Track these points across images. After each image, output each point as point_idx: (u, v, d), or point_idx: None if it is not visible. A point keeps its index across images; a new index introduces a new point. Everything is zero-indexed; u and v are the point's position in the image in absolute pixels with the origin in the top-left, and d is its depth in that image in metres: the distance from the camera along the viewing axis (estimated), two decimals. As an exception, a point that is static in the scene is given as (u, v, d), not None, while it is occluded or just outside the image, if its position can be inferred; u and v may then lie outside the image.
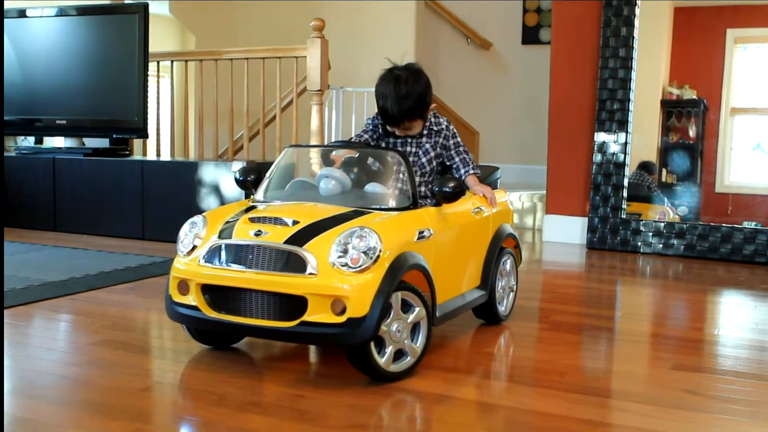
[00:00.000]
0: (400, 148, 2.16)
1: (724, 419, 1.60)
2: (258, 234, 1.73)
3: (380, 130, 2.22)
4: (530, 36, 6.65)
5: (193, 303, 1.77)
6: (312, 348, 2.02)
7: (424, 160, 2.18)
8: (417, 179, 2.15)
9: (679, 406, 1.66)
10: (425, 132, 2.19)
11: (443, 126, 2.21)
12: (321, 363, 1.93)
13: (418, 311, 1.76)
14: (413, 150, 2.18)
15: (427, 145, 2.18)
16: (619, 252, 3.95)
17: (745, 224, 3.84)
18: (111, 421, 1.49)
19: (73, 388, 1.70)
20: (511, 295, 2.38)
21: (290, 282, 1.66)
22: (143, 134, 4.20)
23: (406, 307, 1.75)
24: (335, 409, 1.58)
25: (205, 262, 1.77)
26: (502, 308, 2.30)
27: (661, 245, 3.89)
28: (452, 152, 2.22)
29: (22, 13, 4.35)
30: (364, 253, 1.66)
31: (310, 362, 1.94)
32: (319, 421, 1.51)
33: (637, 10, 3.97)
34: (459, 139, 2.24)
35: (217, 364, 1.86)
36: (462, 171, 2.22)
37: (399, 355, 1.75)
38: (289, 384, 1.73)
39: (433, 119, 2.20)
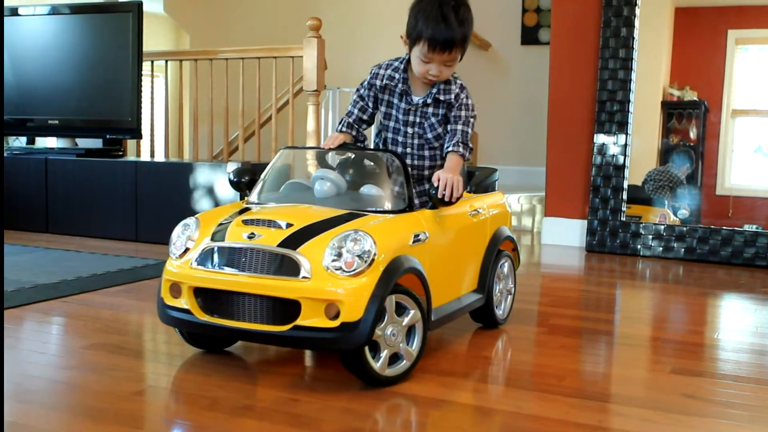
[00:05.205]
0: (403, 117, 2.08)
1: (724, 424, 1.58)
2: (251, 237, 1.71)
3: (399, 82, 2.06)
4: (529, 36, 6.62)
5: (186, 306, 1.74)
6: (307, 351, 1.99)
7: (430, 135, 2.09)
8: (426, 152, 2.07)
9: (679, 410, 1.64)
10: (443, 98, 2.05)
11: (457, 94, 2.07)
12: (316, 367, 1.90)
13: (413, 314, 1.73)
14: (418, 120, 2.09)
15: (433, 119, 2.07)
16: (618, 255, 3.93)
17: (746, 227, 3.82)
18: (102, 426, 1.47)
19: (64, 392, 1.68)
20: (509, 298, 2.36)
21: (283, 286, 1.63)
22: (137, 135, 4.17)
23: (401, 310, 1.72)
24: (330, 414, 1.55)
25: (198, 264, 1.74)
26: (499, 312, 2.28)
27: (661, 248, 3.86)
28: (455, 119, 2.07)
29: (14, 12, 4.32)
30: (359, 256, 1.63)
31: (305, 366, 1.91)
32: (314, 426, 1.49)
33: (638, 11, 3.95)
34: (470, 111, 2.07)
35: (211, 368, 1.83)
36: (449, 144, 2.04)
37: (394, 358, 1.72)
38: (284, 388, 1.70)
39: (452, 79, 2.08)
